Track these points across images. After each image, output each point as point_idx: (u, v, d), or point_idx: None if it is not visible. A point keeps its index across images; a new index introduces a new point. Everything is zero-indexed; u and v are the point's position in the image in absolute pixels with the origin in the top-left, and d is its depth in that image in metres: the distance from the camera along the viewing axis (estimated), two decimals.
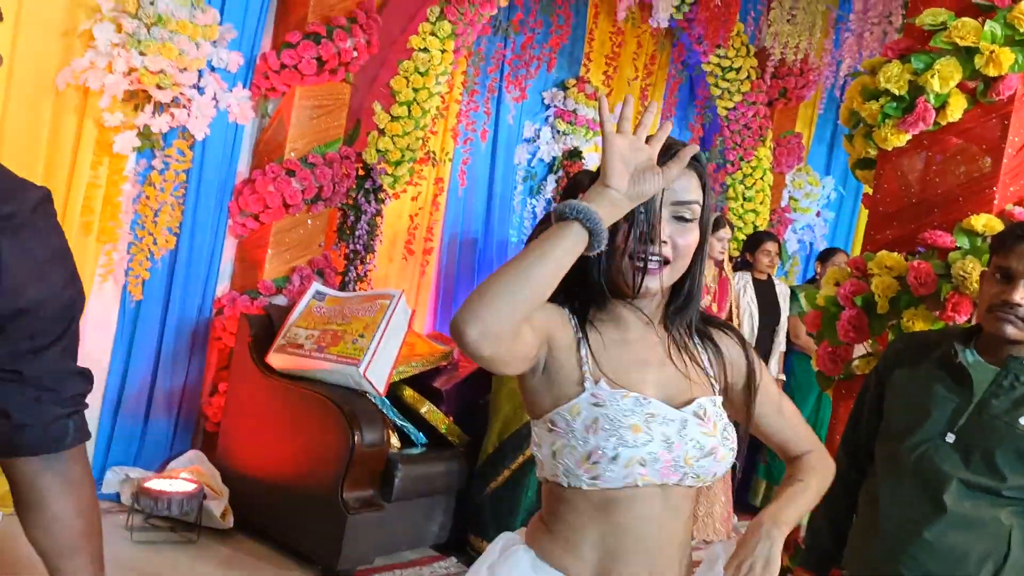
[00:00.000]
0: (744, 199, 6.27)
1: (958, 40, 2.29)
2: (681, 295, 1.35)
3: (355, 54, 4.03)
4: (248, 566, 3.38)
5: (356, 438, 3.28)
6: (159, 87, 3.50)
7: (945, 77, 2.29)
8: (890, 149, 2.45)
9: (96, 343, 3.71)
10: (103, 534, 1.19)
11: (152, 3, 3.45)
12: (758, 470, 5.09)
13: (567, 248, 1.12)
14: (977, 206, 2.34)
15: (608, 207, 1.15)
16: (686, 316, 1.36)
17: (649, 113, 1.21)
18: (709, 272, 4.49)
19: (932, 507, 1.74)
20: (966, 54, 2.29)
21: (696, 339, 1.38)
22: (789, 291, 5.10)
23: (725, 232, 4.58)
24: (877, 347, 2.43)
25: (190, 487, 3.49)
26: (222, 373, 3.99)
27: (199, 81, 3.68)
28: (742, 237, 5.94)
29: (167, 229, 3.79)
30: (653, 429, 1.22)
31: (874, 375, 1.98)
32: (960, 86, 2.33)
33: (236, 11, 3.87)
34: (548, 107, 5.51)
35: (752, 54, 6.10)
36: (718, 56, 6.01)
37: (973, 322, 2.16)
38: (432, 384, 3.99)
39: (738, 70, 6.07)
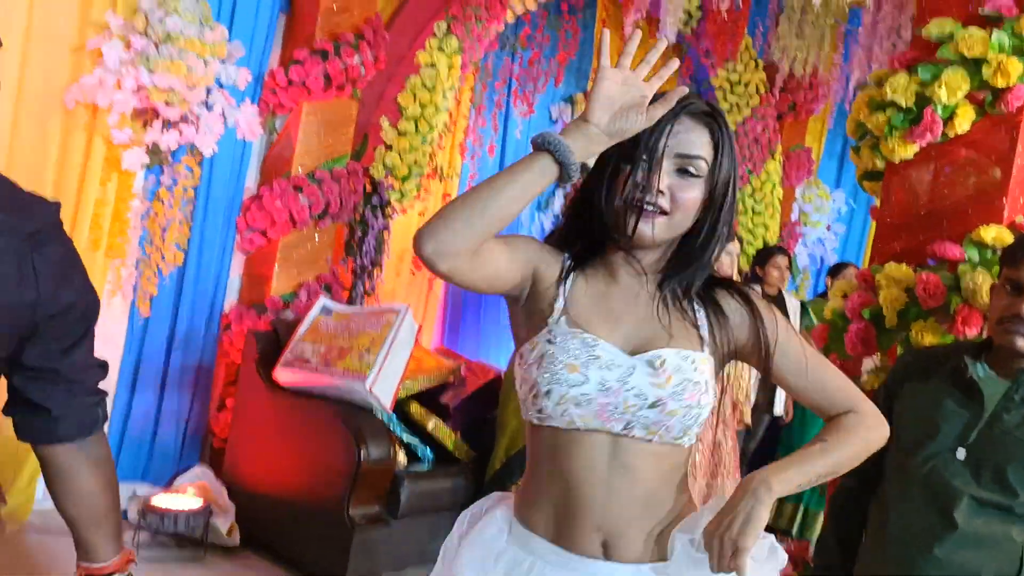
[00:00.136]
0: (754, 213, 6.25)
1: (965, 51, 2.27)
2: (685, 254, 1.30)
3: (362, 70, 4.05)
4: None
5: (362, 454, 3.26)
6: (168, 104, 3.52)
7: (952, 88, 2.28)
8: (897, 161, 2.43)
9: (104, 358, 3.70)
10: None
11: (161, 21, 3.48)
12: None
13: (532, 178, 1.15)
14: (986, 217, 2.31)
15: (584, 141, 1.16)
16: (685, 278, 1.31)
17: (655, 50, 1.19)
18: None
19: (942, 524, 1.70)
20: (973, 65, 2.27)
21: (696, 300, 1.32)
22: (800, 305, 5.06)
23: (734, 246, 4.55)
24: (886, 361, 2.41)
25: (196, 504, 3.48)
26: (229, 388, 3.99)
27: (207, 98, 3.70)
28: (752, 251, 5.92)
29: (175, 245, 3.81)
30: (590, 371, 1.22)
31: (883, 389, 1.95)
32: (968, 97, 2.31)
33: (244, 28, 3.89)
34: (556, 122, 5.52)
35: (761, 68, 6.09)
36: (726, 70, 6.01)
37: (983, 335, 2.13)
38: (439, 400, 3.98)
39: (747, 84, 6.07)
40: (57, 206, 1.20)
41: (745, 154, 6.23)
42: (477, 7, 4.50)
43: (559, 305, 1.29)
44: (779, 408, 4.84)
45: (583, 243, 1.33)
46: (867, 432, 1.31)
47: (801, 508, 4.83)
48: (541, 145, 1.15)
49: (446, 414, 3.93)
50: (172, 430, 3.94)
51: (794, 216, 6.63)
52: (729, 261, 4.57)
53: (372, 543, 3.31)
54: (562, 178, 1.16)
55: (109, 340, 3.74)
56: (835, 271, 5.38)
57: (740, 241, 5.32)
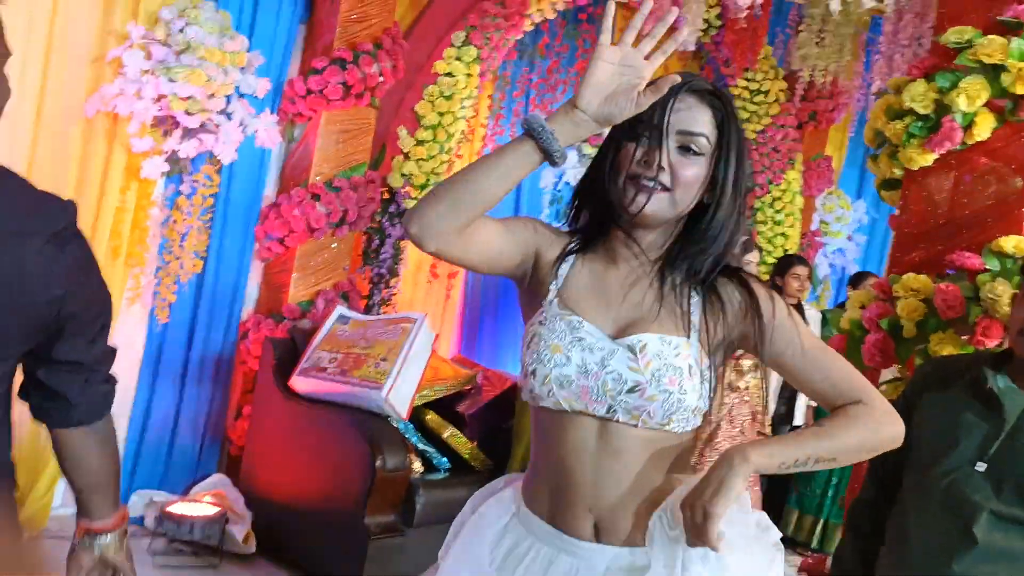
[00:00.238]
0: (773, 223, 6.21)
1: (984, 58, 2.24)
2: (691, 238, 1.29)
3: (381, 79, 4.06)
4: None
5: (378, 462, 3.26)
6: (187, 113, 3.55)
7: (972, 95, 2.25)
8: (916, 169, 2.40)
9: (122, 366, 3.68)
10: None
11: (181, 31, 3.51)
12: (789, 499, 4.98)
13: (515, 163, 1.17)
14: (1007, 227, 2.28)
15: (570, 127, 1.18)
16: (689, 261, 1.29)
17: (663, 23, 1.16)
18: None
19: (962, 538, 1.67)
20: (993, 72, 2.24)
21: (696, 287, 1.30)
22: (820, 316, 5.01)
23: (753, 256, 4.52)
24: (905, 372, 2.37)
25: (212, 511, 3.49)
26: (247, 396, 4.00)
27: (227, 107, 3.72)
28: (771, 261, 5.88)
29: (194, 253, 3.83)
30: (573, 353, 1.24)
31: (902, 400, 1.92)
32: (988, 105, 2.28)
33: (264, 38, 3.93)
34: None
35: (781, 77, 6.06)
36: (746, 79, 5.98)
37: (1004, 346, 2.10)
38: (455, 408, 3.97)
39: (766, 93, 6.03)
40: (74, 205, 1.24)
41: (765, 163, 6.19)
42: (495, 16, 4.51)
43: (554, 287, 1.31)
44: (799, 418, 4.80)
45: (590, 224, 1.35)
46: (875, 424, 1.25)
47: (821, 521, 4.78)
48: (527, 130, 1.17)
49: (462, 423, 3.92)
50: (190, 438, 3.95)
51: (814, 226, 6.57)
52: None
53: (387, 551, 3.30)
54: (551, 163, 1.17)
55: (128, 347, 3.77)
56: (855, 281, 5.33)
57: (759, 251, 5.30)
